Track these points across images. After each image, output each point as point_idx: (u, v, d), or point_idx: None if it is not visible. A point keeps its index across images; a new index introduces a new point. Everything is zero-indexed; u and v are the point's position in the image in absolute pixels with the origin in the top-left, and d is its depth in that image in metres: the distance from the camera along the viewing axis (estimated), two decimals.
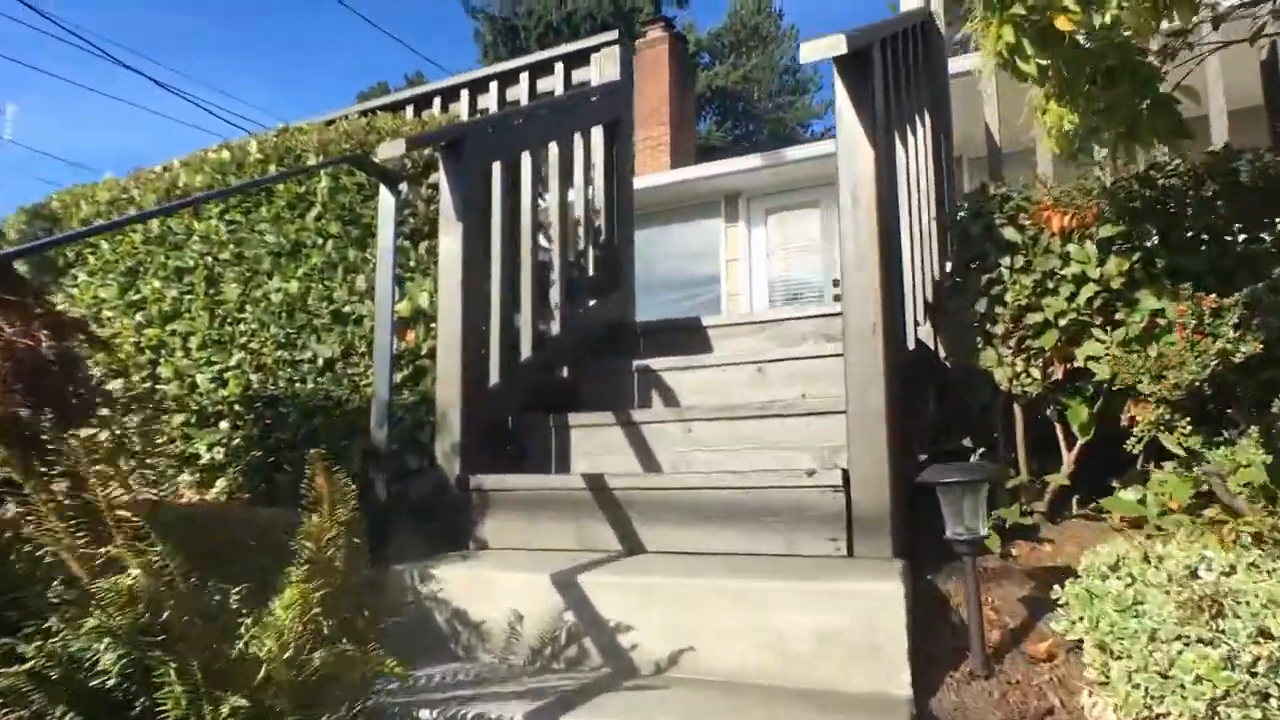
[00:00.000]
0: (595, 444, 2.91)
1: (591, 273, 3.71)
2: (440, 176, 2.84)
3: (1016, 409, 2.51)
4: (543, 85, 3.96)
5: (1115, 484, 2.37)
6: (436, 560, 2.39)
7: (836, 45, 2.19)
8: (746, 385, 3.01)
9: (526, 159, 3.23)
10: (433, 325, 2.95)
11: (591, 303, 3.62)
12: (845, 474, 2.19)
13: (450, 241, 2.80)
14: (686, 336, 3.53)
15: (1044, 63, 1.94)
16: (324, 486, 1.63)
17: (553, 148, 3.40)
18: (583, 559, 2.31)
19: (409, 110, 4.28)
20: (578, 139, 3.58)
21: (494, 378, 2.98)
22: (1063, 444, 2.46)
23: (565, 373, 3.36)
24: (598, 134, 3.72)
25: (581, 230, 3.58)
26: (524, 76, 3.97)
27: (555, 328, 3.34)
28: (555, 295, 3.35)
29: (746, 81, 36.90)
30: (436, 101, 4.24)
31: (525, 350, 3.16)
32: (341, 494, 1.65)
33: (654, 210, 10.56)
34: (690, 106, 14.92)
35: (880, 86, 2.46)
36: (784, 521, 2.25)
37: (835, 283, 9.68)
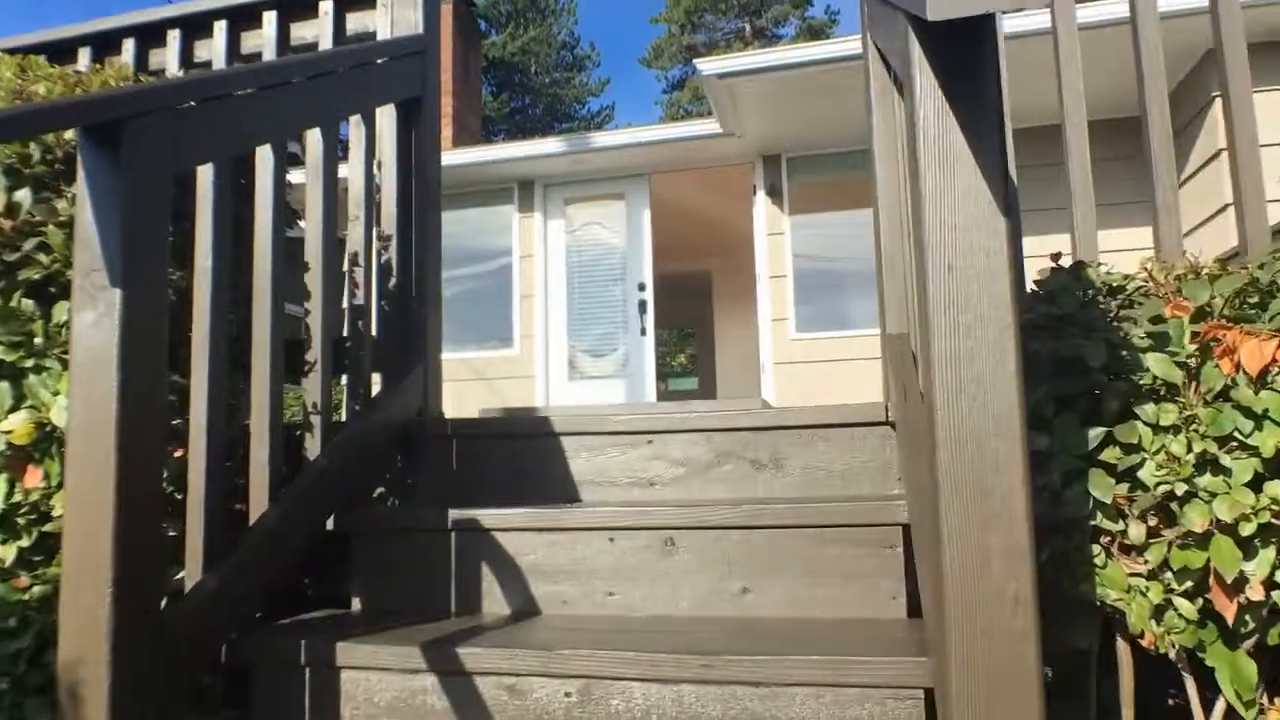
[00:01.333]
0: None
1: (377, 334, 2.37)
2: (81, 188, 1.42)
3: (1123, 652, 1.53)
4: (300, 33, 2.53)
5: None
6: None
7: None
8: (646, 576, 1.83)
9: (267, 157, 1.84)
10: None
11: (377, 389, 2.28)
12: None
13: (95, 316, 1.39)
14: (526, 452, 2.28)
15: None
16: None
17: (313, 140, 2.02)
18: None
19: (84, 54, 2.69)
20: (356, 127, 2.22)
21: (193, 574, 1.60)
22: (1197, 711, 1.50)
23: (331, 523, 2.01)
24: (387, 118, 2.36)
25: (362, 274, 2.21)
26: (270, 18, 2.51)
27: (313, 445, 1.98)
28: (313, 393, 1.99)
29: (524, 54, 35.40)
30: (128, 46, 2.68)
31: (258, 503, 1.78)
32: None
33: None
34: (477, 75, 13.37)
35: None
36: None
37: (641, 286, 8.73)
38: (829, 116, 7.59)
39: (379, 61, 2.22)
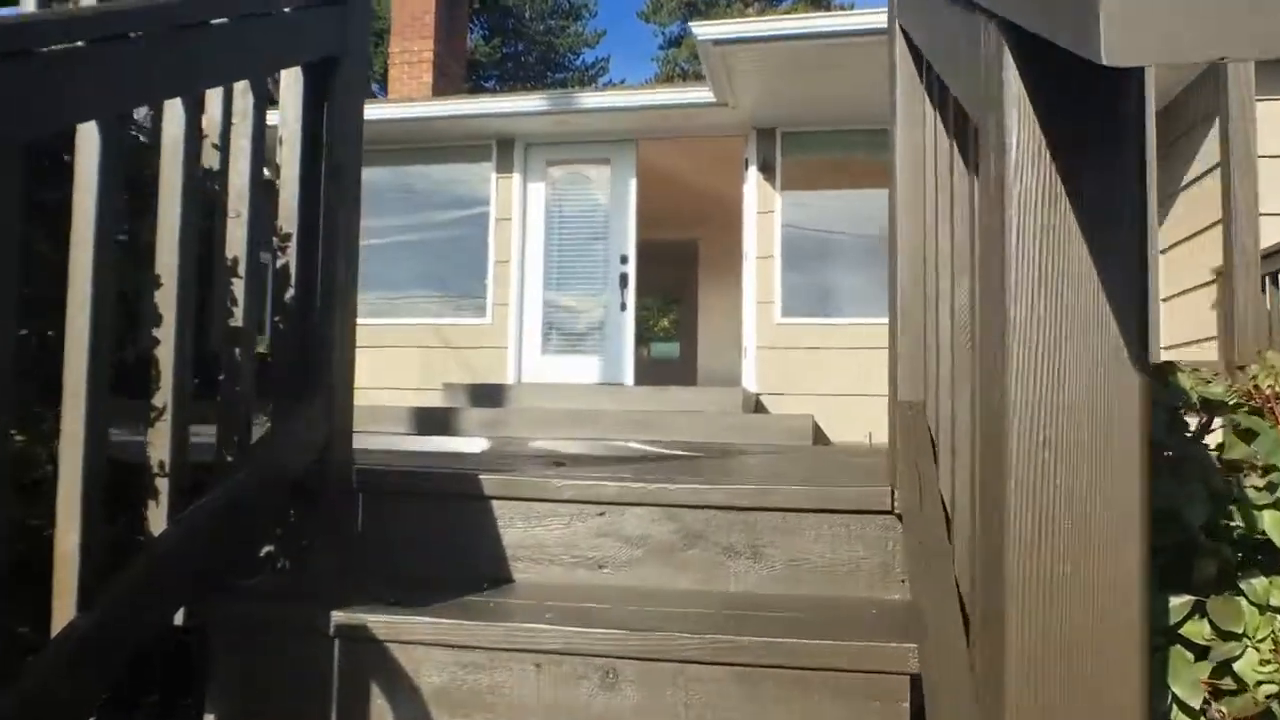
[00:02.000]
0: None
1: (265, 349, 1.91)
2: None
3: None
4: None
5: None
6: None
7: None
8: (581, 716, 1.40)
9: (92, 137, 1.36)
10: None
11: (259, 430, 1.81)
12: None
13: None
14: (451, 514, 1.84)
15: None
16: None
17: (173, 114, 1.53)
18: None
19: None
20: (243, 95, 1.72)
21: None
22: None
23: (179, 618, 1.55)
24: (291, 84, 1.87)
25: (243, 285, 1.73)
26: None
27: (158, 514, 1.52)
28: (160, 447, 1.52)
29: None
30: None
31: (64, 609, 1.33)
32: None
33: (404, 147, 8.48)
34: (462, 18, 12.65)
35: None
36: None
37: (623, 259, 8.23)
38: (829, 93, 7.07)
39: (283, 10, 1.72)
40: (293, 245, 1.84)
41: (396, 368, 8.24)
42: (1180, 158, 6.41)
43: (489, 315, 8.28)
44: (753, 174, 7.87)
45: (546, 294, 8.32)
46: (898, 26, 1.69)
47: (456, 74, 11.93)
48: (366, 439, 5.11)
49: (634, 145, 8.18)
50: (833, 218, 7.98)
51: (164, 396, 1.52)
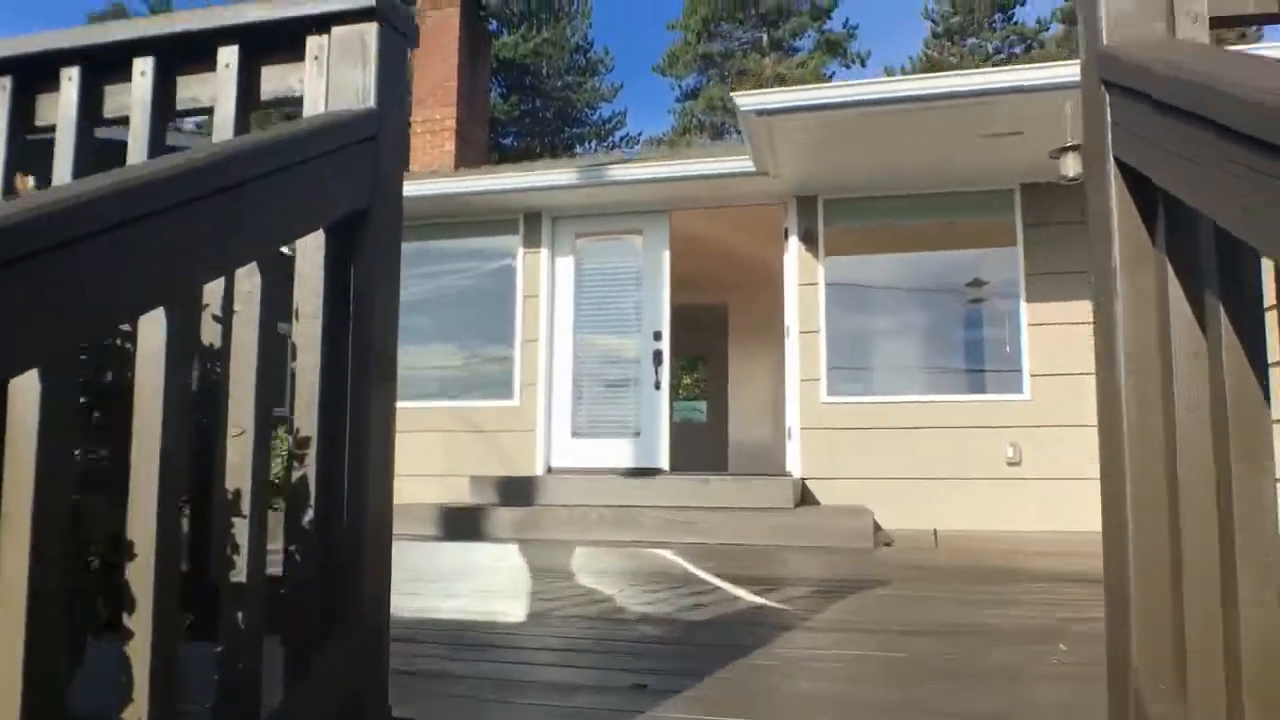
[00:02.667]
0: None
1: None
2: None
3: None
4: (190, 93, 1.64)
5: None
6: None
7: None
8: None
9: (32, 385, 0.95)
10: None
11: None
12: None
13: None
14: None
15: None
16: None
17: (150, 326, 1.13)
18: None
19: None
20: (249, 276, 1.32)
21: None
22: None
23: None
24: (311, 252, 1.46)
25: (248, 527, 1.31)
26: (145, 67, 1.62)
27: None
28: None
29: (536, 56, 34.54)
30: None
31: None
32: None
33: (429, 222, 8.17)
34: (485, 83, 12.51)
35: None
36: None
37: (656, 335, 7.82)
38: (873, 160, 6.71)
39: (294, 164, 1.32)
40: (311, 454, 1.42)
41: (419, 452, 7.82)
42: None
43: (516, 397, 7.87)
44: (794, 244, 7.49)
45: (576, 373, 7.92)
46: (1112, 164, 1.27)
47: (480, 140, 11.71)
48: None
49: (666, 216, 7.83)
50: (881, 287, 7.57)
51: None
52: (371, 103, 1.52)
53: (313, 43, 1.56)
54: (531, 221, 8.04)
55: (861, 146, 6.43)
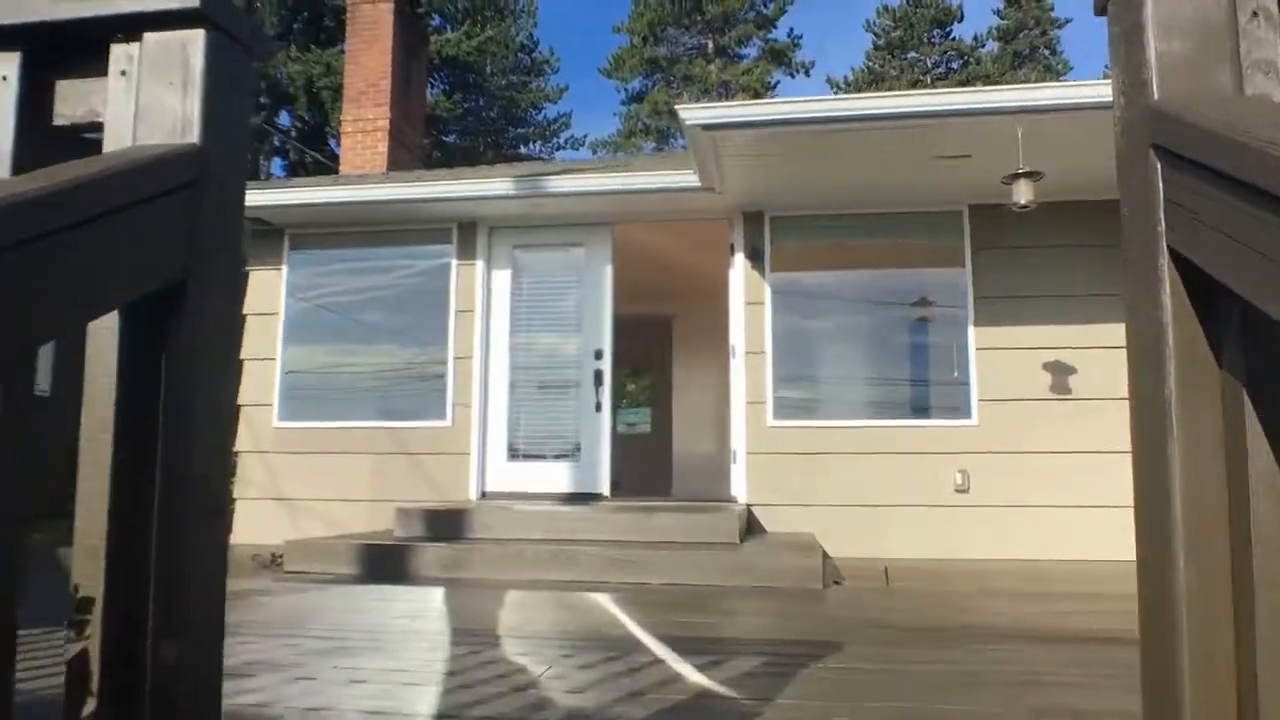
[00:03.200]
0: None
1: None
2: None
3: None
4: None
5: None
6: None
7: None
8: None
9: None
10: None
11: None
12: None
13: None
14: None
15: None
16: None
17: None
18: None
19: None
20: None
21: None
22: None
23: None
24: (103, 342, 1.09)
25: None
26: None
27: None
28: None
29: (480, 54, 33.84)
30: None
31: None
32: None
33: (356, 230, 7.73)
34: (420, 84, 12.01)
35: None
36: None
37: (598, 354, 7.47)
38: (824, 177, 6.47)
39: (61, 228, 0.95)
40: (95, 628, 1.05)
41: (347, 476, 7.36)
42: None
43: (448, 417, 7.45)
44: (739, 261, 7.21)
45: (513, 392, 7.53)
46: (1166, 258, 0.97)
47: (413, 143, 11.23)
48: (298, 598, 4.23)
49: (610, 229, 7.50)
50: (829, 309, 7.33)
51: None
52: (194, 136, 1.15)
53: (119, 52, 1.18)
54: (466, 231, 7.63)
55: (810, 164, 6.17)
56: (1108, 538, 6.34)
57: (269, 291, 7.75)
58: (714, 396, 11.21)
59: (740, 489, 6.98)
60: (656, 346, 12.58)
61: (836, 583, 5.12)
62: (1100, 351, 6.59)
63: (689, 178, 6.59)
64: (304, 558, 5.59)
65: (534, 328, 7.63)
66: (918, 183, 6.52)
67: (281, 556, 5.66)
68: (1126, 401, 1.07)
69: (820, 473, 6.82)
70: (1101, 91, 5.10)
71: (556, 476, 7.31)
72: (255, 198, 7.14)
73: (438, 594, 4.68)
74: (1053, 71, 31.25)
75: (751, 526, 6.63)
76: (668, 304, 11.73)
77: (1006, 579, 5.70)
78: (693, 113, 5.54)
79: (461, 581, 5.07)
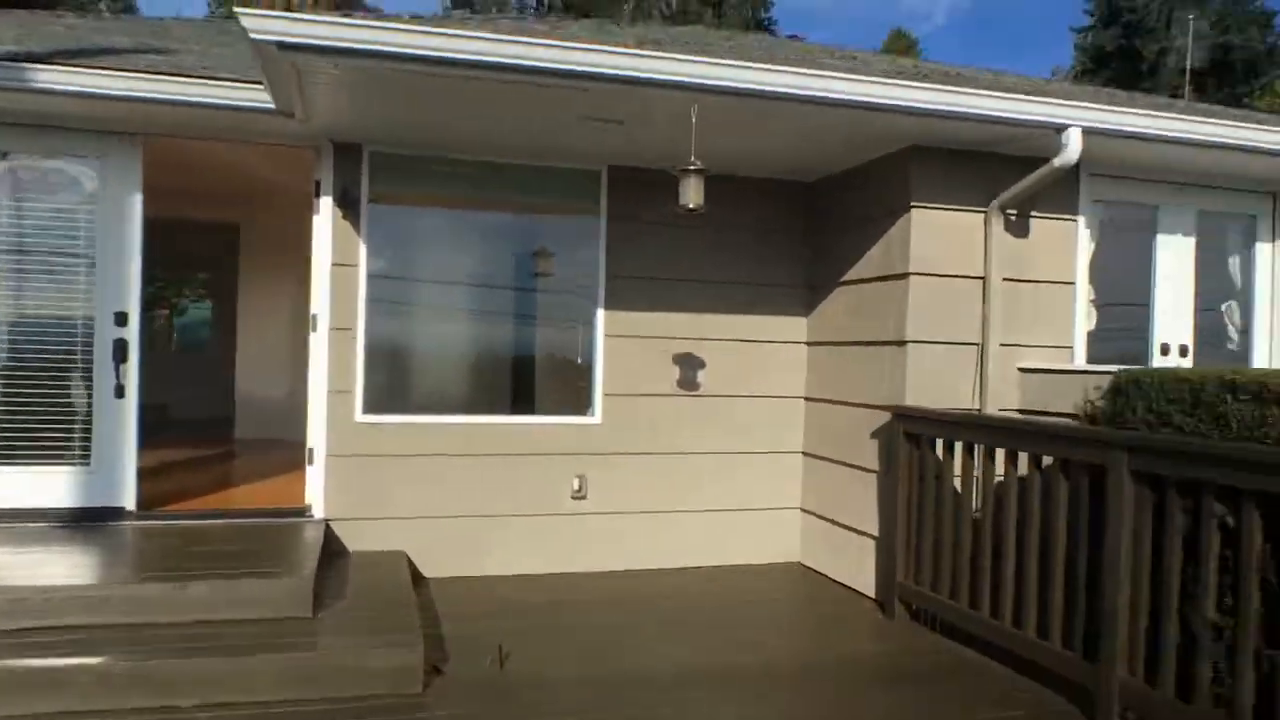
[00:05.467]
0: None
1: None
2: None
3: None
4: None
5: None
6: None
7: None
8: None
9: None
10: None
11: None
12: None
13: None
14: None
15: None
16: None
17: None
18: None
19: None
20: None
21: None
22: None
23: None
24: None
25: None
26: None
27: None
28: None
29: None
30: None
31: None
32: None
33: None
34: None
35: None
36: None
37: (119, 318, 5.39)
38: (441, 118, 5.08)
39: None
40: None
41: None
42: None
43: None
44: (326, 207, 5.57)
45: None
46: None
47: None
48: None
49: (138, 145, 5.37)
50: (439, 282, 6.03)
51: None
52: None
53: None
54: None
55: (426, 104, 4.73)
56: (733, 542, 6.13)
57: None
58: (288, 329, 9.38)
59: (318, 498, 5.58)
60: (220, 256, 10.22)
61: (438, 669, 4.06)
62: (733, 344, 6.18)
63: (259, 96, 4.79)
64: None
65: (18, 279, 5.31)
66: (562, 139, 5.43)
67: None
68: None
69: (419, 479, 5.66)
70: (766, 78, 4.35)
71: (56, 488, 5.28)
72: None
73: None
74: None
75: (330, 549, 5.32)
76: (233, 211, 9.47)
77: (627, 603, 5.13)
78: (263, 23, 3.79)
79: None
